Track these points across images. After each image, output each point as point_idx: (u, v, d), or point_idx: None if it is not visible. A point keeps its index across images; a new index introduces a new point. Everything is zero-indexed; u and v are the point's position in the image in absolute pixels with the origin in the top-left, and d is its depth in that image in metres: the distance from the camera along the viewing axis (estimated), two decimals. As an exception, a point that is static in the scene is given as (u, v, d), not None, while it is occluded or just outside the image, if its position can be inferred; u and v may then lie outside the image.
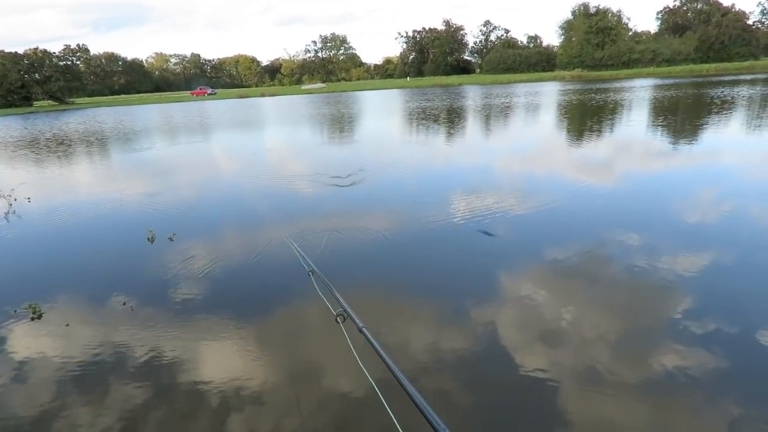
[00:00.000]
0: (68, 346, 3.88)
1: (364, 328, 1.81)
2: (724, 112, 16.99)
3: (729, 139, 11.90)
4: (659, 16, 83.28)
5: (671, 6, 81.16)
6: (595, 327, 3.72)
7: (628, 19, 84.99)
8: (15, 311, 4.47)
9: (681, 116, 16.85)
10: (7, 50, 68.86)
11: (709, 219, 6.10)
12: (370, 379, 1.77)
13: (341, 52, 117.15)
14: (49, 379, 3.46)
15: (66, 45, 79.26)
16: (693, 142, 11.64)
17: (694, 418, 2.80)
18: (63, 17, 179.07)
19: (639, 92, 29.62)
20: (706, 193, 7.35)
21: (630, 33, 77.05)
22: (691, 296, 4.09)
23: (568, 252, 5.14)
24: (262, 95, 65.20)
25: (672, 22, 79.06)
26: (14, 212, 8.31)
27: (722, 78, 41.09)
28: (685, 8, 79.32)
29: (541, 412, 2.91)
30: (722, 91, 25.91)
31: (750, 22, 72.05)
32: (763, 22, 77.57)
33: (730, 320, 3.69)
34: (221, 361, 3.54)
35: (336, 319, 2.07)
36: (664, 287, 4.27)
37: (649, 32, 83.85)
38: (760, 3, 79.43)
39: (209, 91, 74.49)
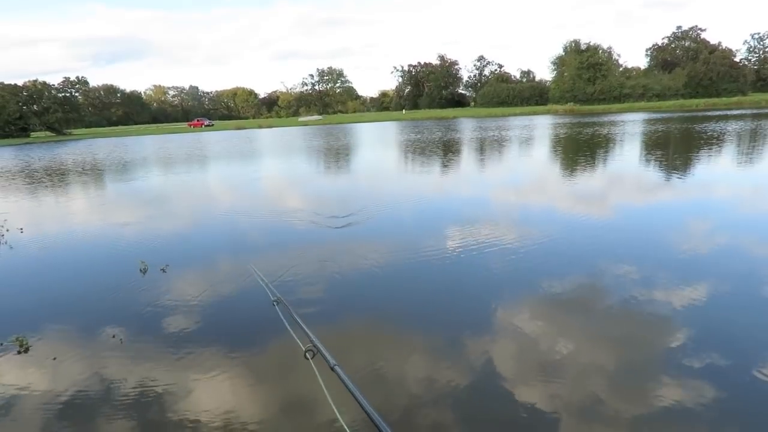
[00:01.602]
0: (54, 380, 3.79)
1: (336, 366, 1.66)
2: (714, 146, 17.15)
3: (719, 172, 11.97)
4: (648, 52, 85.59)
5: (660, 43, 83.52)
6: (587, 361, 3.62)
7: (618, 55, 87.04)
8: (1, 344, 4.35)
9: (673, 150, 16.99)
10: (6, 82, 69.59)
11: (702, 251, 6.07)
12: (343, 423, 1.58)
13: (338, 84, 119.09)
14: (33, 414, 3.36)
15: (65, 77, 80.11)
16: (685, 175, 11.67)
17: None
18: (64, 51, 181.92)
19: (632, 126, 30.02)
20: (698, 225, 7.33)
21: (620, 69, 78.85)
22: (685, 329, 4.04)
23: (559, 285, 5.02)
24: (260, 127, 65.75)
25: (661, 58, 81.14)
26: (6, 242, 8.19)
27: (711, 113, 41.83)
28: (673, 45, 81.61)
29: None
30: (712, 126, 26.31)
31: (737, 59, 74.06)
32: (750, 59, 79.90)
33: (725, 353, 3.65)
34: (208, 398, 3.37)
35: (305, 355, 1.91)
36: (658, 320, 4.20)
37: (639, 68, 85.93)
38: (746, 41, 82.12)
39: (207, 122, 75.19)
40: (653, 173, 12.40)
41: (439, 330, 4.30)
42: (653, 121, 33.74)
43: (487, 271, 5.68)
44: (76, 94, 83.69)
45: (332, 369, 1.67)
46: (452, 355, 3.86)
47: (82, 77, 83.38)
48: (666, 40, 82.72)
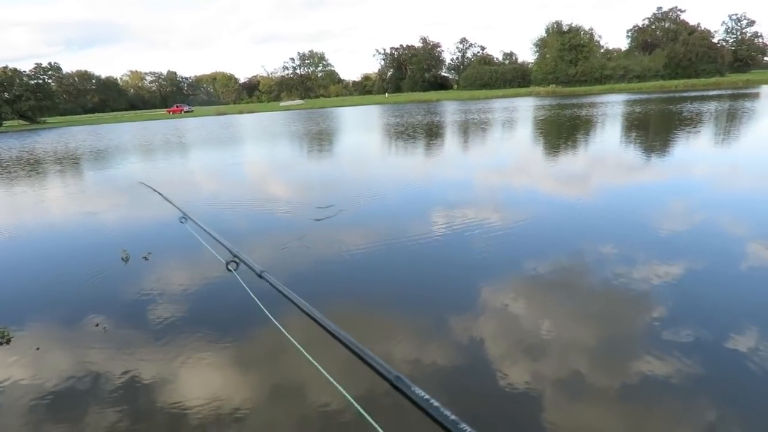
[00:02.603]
0: (38, 370, 3.75)
1: (264, 273, 1.63)
2: (693, 126, 17.40)
3: (697, 152, 12.15)
4: (629, 34, 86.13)
5: (640, 24, 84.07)
6: (573, 336, 3.69)
7: (600, 36, 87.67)
8: (-18, 335, 4.27)
9: (653, 130, 17.19)
10: (-25, 69, 67.25)
11: (680, 229, 6.17)
12: (279, 325, 1.57)
13: (319, 68, 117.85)
14: (17, 405, 3.32)
15: (37, 63, 77.62)
16: (664, 155, 11.83)
17: (672, 423, 2.83)
18: (34, 35, 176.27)
19: (613, 107, 30.27)
20: (676, 204, 7.44)
21: (602, 50, 79.27)
22: (664, 304, 4.12)
23: (542, 264, 5.06)
24: (240, 112, 64.78)
25: (641, 40, 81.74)
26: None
27: (690, 94, 42.38)
28: (653, 27, 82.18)
29: (520, 422, 2.89)
30: (691, 107, 26.67)
31: (715, 40, 74.97)
32: (727, 41, 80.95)
33: (703, 326, 3.75)
34: (196, 382, 3.36)
35: (227, 267, 1.86)
36: (639, 296, 4.29)
37: (620, 49, 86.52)
38: (724, 22, 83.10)
39: (186, 108, 73.85)
40: (633, 154, 12.53)
41: (425, 310, 4.33)
42: (634, 102, 34.07)
43: (471, 253, 5.70)
44: (49, 81, 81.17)
45: (260, 276, 1.63)
46: (438, 334, 3.89)
47: (55, 63, 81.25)
48: (646, 21, 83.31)
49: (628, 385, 3.13)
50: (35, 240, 7.78)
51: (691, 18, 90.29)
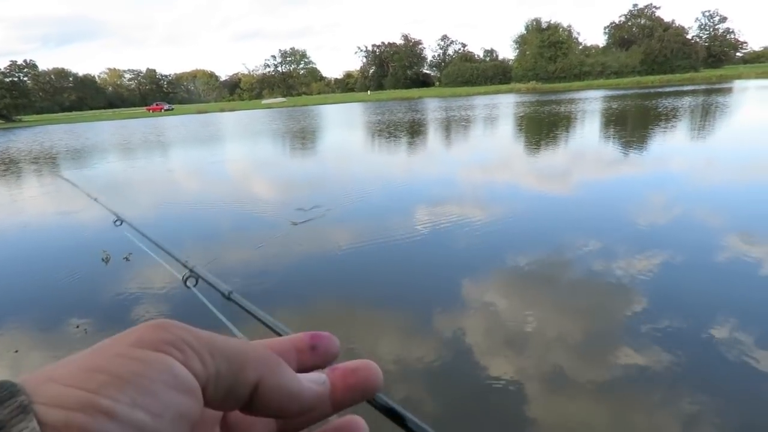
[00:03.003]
0: (16, 372, 3.65)
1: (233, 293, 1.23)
2: (669, 121, 17.88)
3: (674, 146, 12.54)
4: (606, 30, 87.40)
5: (617, 21, 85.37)
6: (553, 330, 3.81)
7: (578, 33, 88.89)
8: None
9: (630, 126, 17.64)
10: (-54, 66, 65.56)
11: (658, 222, 6.39)
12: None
13: (301, 66, 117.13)
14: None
15: (12, 61, 76.00)
16: (642, 150, 12.18)
17: (653, 414, 2.89)
18: (9, 32, 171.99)
19: (592, 103, 30.84)
20: (654, 198, 7.69)
21: (580, 47, 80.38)
22: (644, 297, 4.26)
23: (527, 259, 5.25)
24: (222, 110, 64.21)
25: (618, 36, 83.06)
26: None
27: (666, 89, 43.29)
28: (630, 23, 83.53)
29: (505, 416, 2.96)
30: (667, 102, 27.30)
31: (689, 36, 76.56)
32: (701, 37, 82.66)
33: (681, 318, 3.87)
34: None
35: (185, 283, 1.63)
36: (619, 289, 4.43)
37: (597, 46, 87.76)
38: (697, 19, 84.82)
39: (166, 107, 72.90)
40: (611, 149, 12.90)
41: (410, 307, 4.43)
42: (612, 98, 34.72)
43: (455, 250, 5.88)
44: (25, 79, 79.50)
45: (228, 297, 1.24)
46: (424, 330, 4.01)
47: (31, 60, 79.33)
48: (623, 18, 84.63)
49: (610, 377, 3.22)
50: None
51: (665, 15, 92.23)
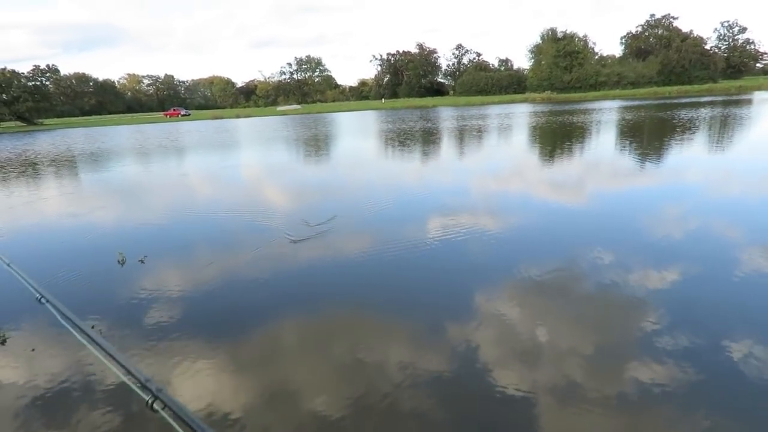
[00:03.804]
0: (32, 371, 3.82)
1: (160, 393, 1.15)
2: (687, 132, 17.67)
3: (692, 158, 12.39)
4: (623, 41, 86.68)
5: (634, 32, 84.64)
6: (565, 342, 3.78)
7: (594, 43, 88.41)
8: (-24, 338, 4.33)
9: (647, 137, 17.45)
10: (-28, 71, 67.17)
11: (674, 235, 6.32)
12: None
13: (316, 73, 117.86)
14: (12, 405, 3.39)
15: (35, 65, 77.61)
16: (659, 161, 12.06)
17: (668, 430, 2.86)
18: (33, 37, 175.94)
19: (607, 114, 30.61)
20: (671, 210, 7.60)
21: (596, 57, 79.77)
22: (658, 310, 4.22)
23: (537, 270, 5.24)
24: (237, 116, 64.87)
25: (635, 47, 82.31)
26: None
27: (684, 100, 42.78)
28: (647, 34, 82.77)
29: (514, 426, 2.95)
30: (685, 113, 26.98)
31: (708, 47, 75.61)
32: (720, 47, 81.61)
33: (696, 332, 3.83)
34: (190, 387, 3.48)
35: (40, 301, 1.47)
36: (634, 302, 4.40)
37: (614, 56, 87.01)
38: (716, 29, 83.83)
39: (183, 112, 73.95)
40: (629, 160, 12.78)
41: (423, 317, 4.44)
42: (628, 109, 34.42)
43: (469, 259, 5.89)
44: (47, 83, 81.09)
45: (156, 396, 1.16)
46: (436, 339, 4.02)
47: (53, 65, 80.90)
48: (640, 29, 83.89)
49: (623, 391, 3.19)
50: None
51: (683, 25, 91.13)
